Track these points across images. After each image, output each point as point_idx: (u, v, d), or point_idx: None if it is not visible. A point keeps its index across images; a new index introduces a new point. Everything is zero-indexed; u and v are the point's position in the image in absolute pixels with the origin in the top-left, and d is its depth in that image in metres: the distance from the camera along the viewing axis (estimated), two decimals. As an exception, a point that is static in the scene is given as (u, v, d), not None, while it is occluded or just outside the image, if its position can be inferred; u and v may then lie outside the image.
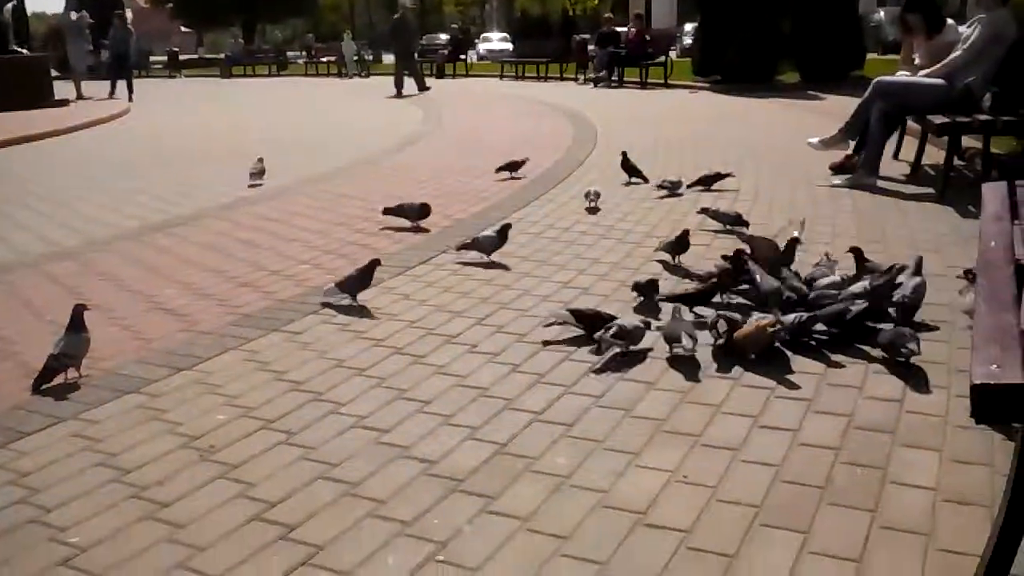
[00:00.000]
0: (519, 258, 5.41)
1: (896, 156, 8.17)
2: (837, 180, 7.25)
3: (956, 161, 6.91)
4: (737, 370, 3.63)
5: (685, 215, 6.35)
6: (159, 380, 3.76)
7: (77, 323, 3.87)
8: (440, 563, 2.46)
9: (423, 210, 6.32)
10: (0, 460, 3.14)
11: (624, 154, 7.82)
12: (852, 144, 7.60)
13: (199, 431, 3.30)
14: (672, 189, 7.09)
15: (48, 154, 11.24)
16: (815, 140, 7.83)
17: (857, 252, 4.51)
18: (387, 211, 6.39)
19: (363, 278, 4.66)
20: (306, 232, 6.34)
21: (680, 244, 5.05)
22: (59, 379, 3.75)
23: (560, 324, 4.09)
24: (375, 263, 4.72)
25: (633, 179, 7.64)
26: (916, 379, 3.44)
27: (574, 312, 4.06)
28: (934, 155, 7.68)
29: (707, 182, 7.18)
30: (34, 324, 4.58)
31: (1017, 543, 2.04)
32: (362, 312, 4.54)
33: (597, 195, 6.69)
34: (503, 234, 5.37)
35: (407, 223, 6.31)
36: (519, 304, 4.54)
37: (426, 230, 6.21)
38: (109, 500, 2.85)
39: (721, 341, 3.79)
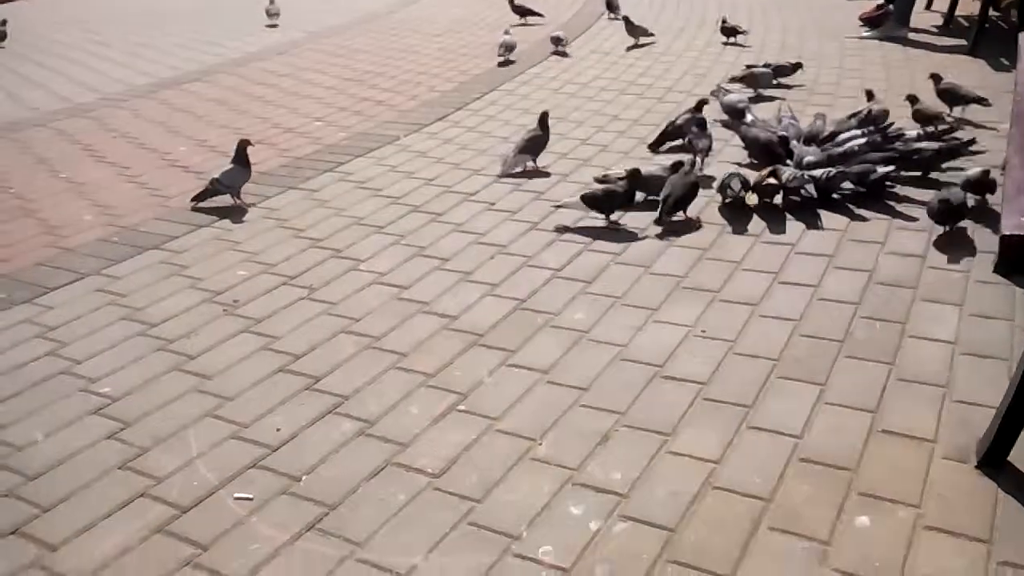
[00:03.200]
0: (536, 115, 5.29)
1: (929, 7, 7.84)
2: (867, 32, 6.99)
3: (991, 12, 6.62)
4: (758, 227, 3.60)
5: (705, 74, 6.17)
6: (179, 236, 3.78)
7: (239, 156, 4.08)
8: (462, 413, 2.52)
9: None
10: (27, 314, 3.19)
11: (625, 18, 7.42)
12: (884, -6, 7.29)
13: (221, 286, 3.33)
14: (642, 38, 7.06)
15: (51, 9, 10.95)
16: (845, -11, 7.51)
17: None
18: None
19: (544, 138, 4.37)
20: (318, 88, 6.21)
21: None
22: (215, 201, 4.05)
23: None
24: (543, 115, 4.41)
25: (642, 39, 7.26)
26: (939, 235, 3.41)
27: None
28: (968, 6, 7.37)
29: (728, 33, 6.95)
30: (50, 181, 4.57)
31: (1035, 394, 2.06)
32: (379, 171, 4.50)
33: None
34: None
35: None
36: (538, 161, 4.47)
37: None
38: (136, 353, 2.91)
39: (730, 200, 3.78)
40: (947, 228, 3.41)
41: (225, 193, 4.05)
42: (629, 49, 6.86)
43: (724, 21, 7.01)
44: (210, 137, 5.16)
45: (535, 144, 4.37)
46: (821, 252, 3.34)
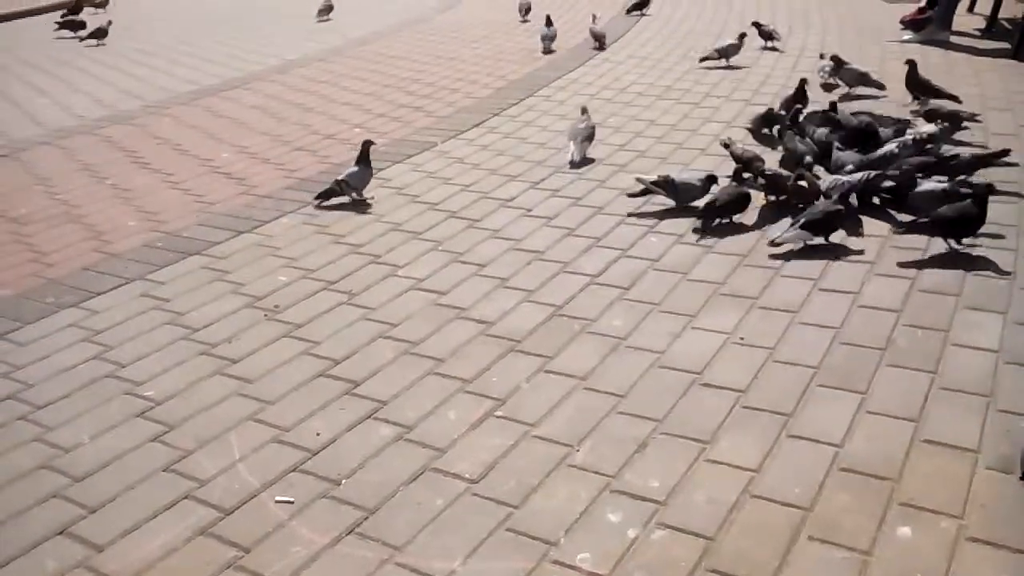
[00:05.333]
0: (574, 121, 5.30)
1: (971, 9, 7.74)
2: (908, 35, 6.91)
3: (1036, 14, 6.53)
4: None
5: (745, 77, 6.13)
6: (221, 242, 3.83)
7: (364, 157, 4.22)
8: (499, 419, 2.53)
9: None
10: (73, 318, 3.26)
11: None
12: (925, -3, 7.21)
13: (262, 291, 3.38)
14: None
15: (94, 17, 11.15)
16: (886, -8, 7.44)
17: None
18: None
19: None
20: (357, 95, 6.27)
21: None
22: (337, 200, 4.20)
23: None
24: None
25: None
26: (983, 241, 3.36)
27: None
28: (1012, 8, 7.25)
29: (766, 37, 6.90)
30: (95, 188, 4.66)
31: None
32: (416, 177, 4.53)
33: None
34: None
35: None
36: (574, 168, 4.48)
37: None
38: (180, 357, 2.96)
39: (772, 197, 3.82)
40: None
41: (349, 193, 4.17)
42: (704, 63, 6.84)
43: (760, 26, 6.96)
44: (252, 144, 5.23)
45: (593, 134, 4.61)
46: (862, 259, 3.31)
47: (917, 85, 5.05)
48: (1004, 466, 2.18)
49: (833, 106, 4.56)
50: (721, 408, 2.50)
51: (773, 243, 3.43)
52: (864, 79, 5.40)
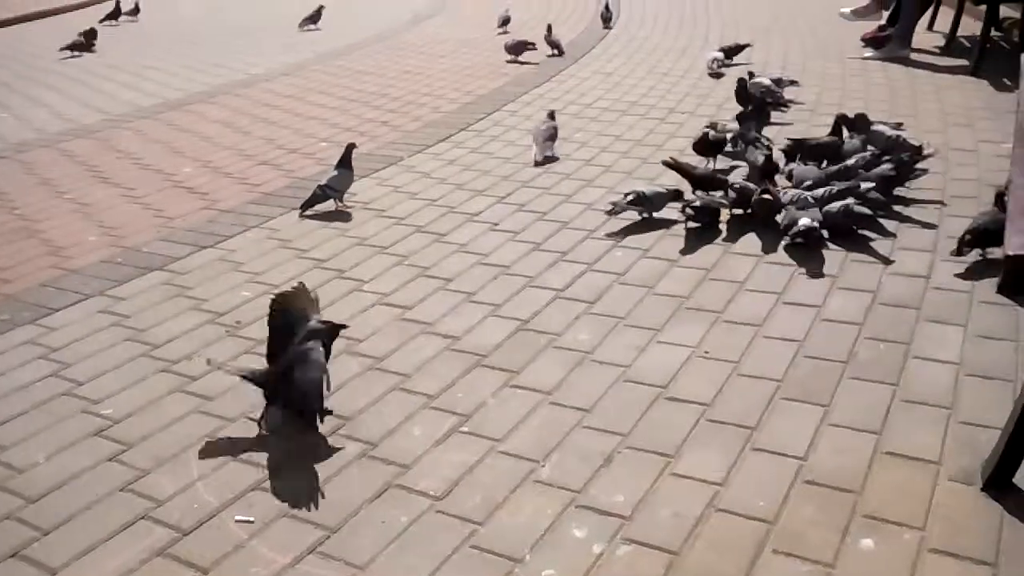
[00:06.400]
0: (537, 123, 5.30)
1: (931, 27, 7.86)
2: (869, 52, 7.01)
3: (993, 32, 6.63)
4: (761, 247, 3.60)
5: (709, 92, 6.19)
6: (183, 258, 3.78)
7: (346, 160, 4.19)
8: (465, 434, 2.51)
9: None
10: (30, 335, 3.20)
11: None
12: (885, 15, 7.31)
13: (224, 307, 3.33)
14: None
15: (61, 30, 11.02)
16: (847, 10, 7.54)
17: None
18: None
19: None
20: (324, 109, 6.24)
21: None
22: (324, 206, 4.19)
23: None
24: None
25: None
26: (943, 255, 3.40)
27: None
28: (970, 26, 7.38)
29: (729, 53, 6.95)
30: (54, 202, 4.58)
31: (1040, 415, 2.05)
32: (383, 191, 4.51)
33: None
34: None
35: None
36: (540, 182, 4.49)
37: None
38: (139, 374, 2.91)
39: (738, 211, 3.84)
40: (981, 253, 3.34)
41: (333, 197, 4.15)
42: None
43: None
44: (215, 158, 5.18)
45: (556, 134, 4.87)
46: (824, 273, 3.34)
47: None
48: (965, 477, 2.20)
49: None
50: (686, 422, 2.50)
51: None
52: (770, 92, 5.45)
